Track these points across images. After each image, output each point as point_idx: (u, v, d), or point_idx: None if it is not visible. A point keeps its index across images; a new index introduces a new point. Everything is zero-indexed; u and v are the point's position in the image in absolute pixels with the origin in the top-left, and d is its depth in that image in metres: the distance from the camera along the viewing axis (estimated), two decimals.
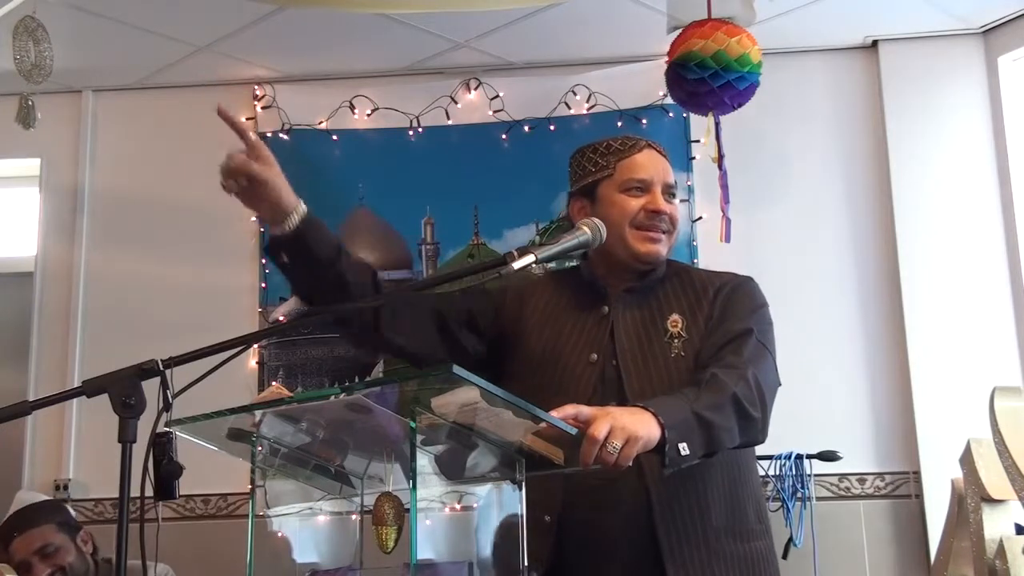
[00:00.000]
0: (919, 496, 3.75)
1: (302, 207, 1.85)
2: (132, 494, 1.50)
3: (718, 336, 2.00)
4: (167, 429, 1.60)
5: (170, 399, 1.56)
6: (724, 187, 3.51)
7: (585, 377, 2.01)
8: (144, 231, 4.16)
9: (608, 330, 2.05)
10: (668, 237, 2.09)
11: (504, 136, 4.10)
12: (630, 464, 1.66)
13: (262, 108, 4.15)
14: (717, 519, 1.94)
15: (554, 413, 1.63)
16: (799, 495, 3.63)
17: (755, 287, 2.12)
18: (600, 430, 1.62)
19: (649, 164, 2.10)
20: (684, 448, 1.73)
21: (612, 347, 2.02)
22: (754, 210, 3.98)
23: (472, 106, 4.14)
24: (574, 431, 1.63)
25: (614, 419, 1.65)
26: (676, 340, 2.01)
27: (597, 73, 4.09)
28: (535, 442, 1.67)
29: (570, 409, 1.66)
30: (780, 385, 2.01)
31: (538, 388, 1.97)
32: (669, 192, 2.11)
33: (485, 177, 4.07)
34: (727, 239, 3.52)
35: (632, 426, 1.66)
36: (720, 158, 3.46)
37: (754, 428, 1.88)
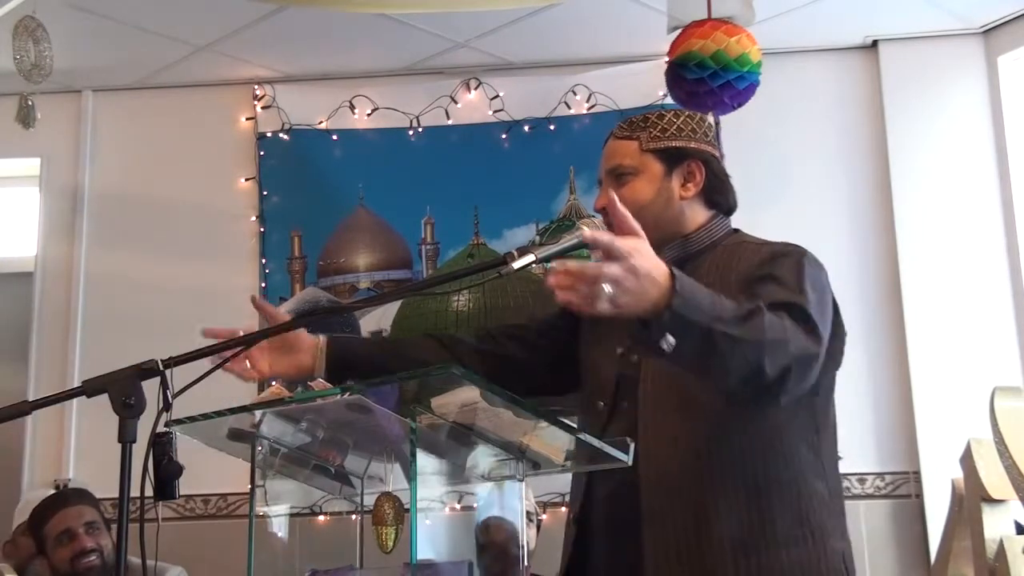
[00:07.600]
0: (919, 496, 3.74)
1: (321, 340, 1.90)
2: (132, 494, 1.50)
3: (758, 290, 1.71)
4: (167, 429, 1.60)
5: (170, 399, 1.56)
6: None
7: (608, 369, 1.92)
8: (144, 231, 4.16)
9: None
10: None
11: (504, 136, 4.09)
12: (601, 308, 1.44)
13: (262, 108, 4.13)
14: (723, 528, 1.74)
15: (586, 233, 1.48)
16: None
17: (801, 261, 1.84)
18: (611, 270, 1.42)
19: (601, 159, 1.97)
20: (668, 344, 1.48)
21: None
22: (754, 210, 3.93)
23: (472, 106, 4.13)
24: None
25: (633, 270, 1.43)
26: None
27: (597, 73, 4.08)
28: (535, 442, 1.66)
29: (604, 236, 1.46)
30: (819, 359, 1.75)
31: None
32: (615, 175, 1.92)
33: (485, 177, 4.06)
34: None
35: (637, 288, 1.44)
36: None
37: (761, 384, 1.61)
